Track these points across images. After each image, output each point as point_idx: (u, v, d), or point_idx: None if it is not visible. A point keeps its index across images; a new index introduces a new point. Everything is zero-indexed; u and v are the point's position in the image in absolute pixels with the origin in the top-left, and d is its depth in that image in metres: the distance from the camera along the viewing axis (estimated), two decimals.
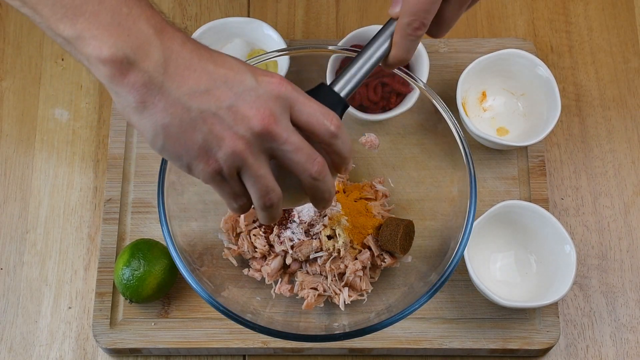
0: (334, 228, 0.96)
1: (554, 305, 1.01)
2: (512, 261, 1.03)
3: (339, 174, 0.78)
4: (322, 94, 0.75)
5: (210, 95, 0.67)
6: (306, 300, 0.97)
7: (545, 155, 1.09)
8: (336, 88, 0.76)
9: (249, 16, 1.19)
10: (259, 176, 0.70)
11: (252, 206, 0.75)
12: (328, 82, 0.97)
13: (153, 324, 1.01)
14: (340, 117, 0.76)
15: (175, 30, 0.69)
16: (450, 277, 0.89)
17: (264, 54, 0.95)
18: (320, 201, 0.75)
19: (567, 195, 1.09)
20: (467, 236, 0.89)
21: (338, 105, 0.76)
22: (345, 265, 0.97)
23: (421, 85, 0.95)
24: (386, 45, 0.78)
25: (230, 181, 0.70)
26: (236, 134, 0.68)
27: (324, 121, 0.71)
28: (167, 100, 0.66)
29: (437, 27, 0.79)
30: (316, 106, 0.71)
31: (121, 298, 1.02)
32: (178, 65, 0.67)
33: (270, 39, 1.08)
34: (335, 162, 0.74)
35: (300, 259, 0.97)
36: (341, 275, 0.98)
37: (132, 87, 0.66)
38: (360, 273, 0.98)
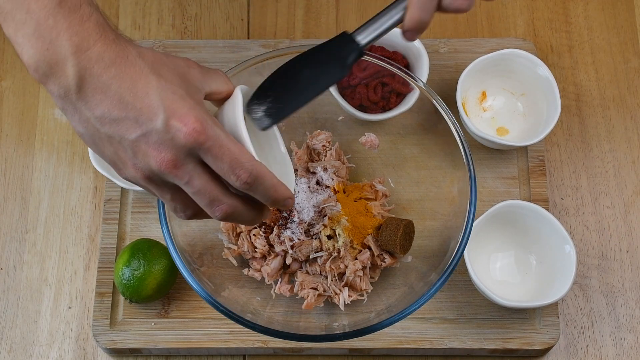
0: (334, 228, 0.96)
1: (554, 305, 1.01)
2: (512, 261, 1.03)
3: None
4: (339, 41, 0.77)
5: (118, 125, 0.68)
6: (306, 300, 0.97)
7: (545, 155, 1.09)
8: (357, 37, 0.77)
9: (248, 17, 1.19)
10: (165, 199, 0.73)
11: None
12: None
13: (153, 324, 1.01)
14: (353, 63, 0.77)
15: (107, 49, 0.68)
16: (450, 277, 0.89)
17: (264, 54, 0.95)
18: (250, 225, 0.76)
19: (567, 195, 1.09)
20: (467, 236, 0.89)
21: (353, 52, 0.77)
22: (345, 265, 0.97)
23: (421, 85, 0.95)
24: (405, 3, 0.77)
25: (147, 188, 0.73)
26: (135, 165, 0.70)
27: (230, 175, 0.70)
28: (80, 116, 0.69)
29: None
30: (227, 158, 0.69)
31: (121, 298, 1.02)
32: (94, 88, 0.68)
33: None
34: (266, 204, 0.74)
35: (300, 258, 0.97)
36: (341, 275, 0.98)
37: (52, 93, 0.69)
38: (360, 273, 0.98)
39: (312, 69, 0.78)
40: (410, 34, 0.77)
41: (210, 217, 0.74)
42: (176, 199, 0.73)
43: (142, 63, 0.69)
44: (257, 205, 0.75)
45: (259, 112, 0.76)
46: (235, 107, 0.75)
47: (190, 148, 0.68)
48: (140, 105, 0.68)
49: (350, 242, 0.97)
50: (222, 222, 1.00)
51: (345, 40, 0.78)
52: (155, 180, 0.71)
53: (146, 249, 0.99)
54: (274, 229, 0.97)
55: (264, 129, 0.76)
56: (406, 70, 0.95)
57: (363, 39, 0.78)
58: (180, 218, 0.75)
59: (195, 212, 0.74)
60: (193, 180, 0.70)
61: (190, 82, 0.72)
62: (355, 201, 1.00)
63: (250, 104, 0.76)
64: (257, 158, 0.71)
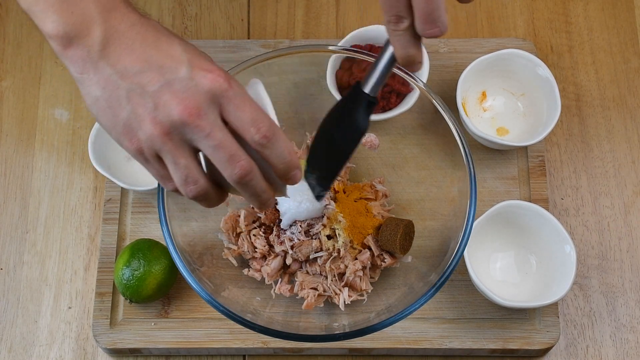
0: (333, 228, 0.96)
1: (554, 305, 1.01)
2: (512, 261, 1.03)
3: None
4: (354, 94, 0.79)
5: (140, 77, 0.69)
6: (306, 300, 0.97)
7: (545, 155, 1.09)
8: (364, 89, 0.79)
9: (248, 16, 1.19)
10: (178, 164, 0.71)
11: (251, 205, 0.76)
12: (328, 81, 0.98)
13: (153, 324, 1.01)
14: (370, 113, 0.79)
15: (129, 11, 0.71)
16: (450, 277, 0.89)
17: (264, 54, 0.95)
18: (253, 202, 0.75)
19: (567, 195, 1.09)
20: (467, 236, 0.89)
21: (365, 103, 0.78)
22: (345, 265, 0.97)
23: (421, 85, 0.95)
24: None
25: (152, 162, 0.72)
26: (155, 118, 0.69)
27: (250, 128, 0.70)
28: (100, 75, 0.69)
29: None
30: (248, 110, 0.70)
31: (121, 298, 1.02)
32: (119, 45, 0.69)
33: None
34: (274, 169, 0.74)
35: (300, 259, 0.97)
36: (341, 275, 0.98)
37: (72, 59, 0.70)
38: (360, 273, 0.98)
39: (340, 130, 0.80)
40: (410, 68, 0.77)
41: (216, 200, 0.74)
42: (191, 165, 0.71)
43: (163, 27, 0.72)
44: (268, 178, 0.75)
45: (313, 180, 0.82)
46: (258, 85, 0.76)
47: (214, 95, 0.69)
48: (164, 57, 0.69)
49: (350, 242, 0.97)
50: (222, 222, 1.00)
51: (357, 92, 0.79)
52: (173, 139, 0.69)
53: (146, 249, 0.99)
54: (274, 229, 0.97)
55: (319, 197, 0.85)
56: (406, 70, 0.95)
57: (368, 89, 0.78)
58: (189, 194, 0.73)
59: (206, 186, 0.72)
60: (215, 131, 0.69)
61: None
62: (355, 201, 1.00)
63: (306, 172, 0.82)
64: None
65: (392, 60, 0.77)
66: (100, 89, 0.70)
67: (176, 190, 0.74)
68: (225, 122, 0.71)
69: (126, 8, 0.71)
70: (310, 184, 0.83)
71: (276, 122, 0.76)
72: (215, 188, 0.74)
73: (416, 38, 0.73)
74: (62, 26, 0.69)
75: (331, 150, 0.81)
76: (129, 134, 0.71)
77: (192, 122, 0.68)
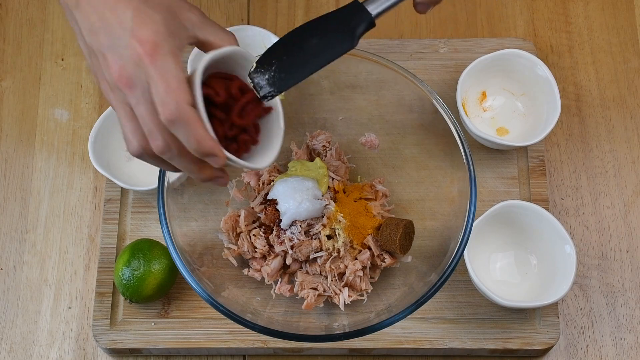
0: (333, 228, 0.96)
1: (554, 305, 1.01)
2: (512, 261, 1.03)
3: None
4: (350, 9, 0.76)
5: (97, 35, 0.72)
6: (306, 300, 0.97)
7: (545, 155, 1.09)
8: (369, 6, 0.76)
9: (248, 16, 1.19)
10: (120, 117, 0.73)
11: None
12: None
13: (153, 324, 1.01)
14: (363, 33, 0.76)
15: None
16: (450, 277, 0.89)
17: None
18: (194, 176, 0.75)
19: (567, 195, 1.09)
20: (467, 236, 0.89)
21: (363, 22, 0.76)
22: (345, 265, 0.97)
23: (421, 85, 0.95)
24: None
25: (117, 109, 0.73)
26: (104, 77, 0.73)
27: (159, 107, 0.70)
28: (77, 28, 0.75)
29: None
30: (161, 88, 0.69)
31: (121, 298, 1.02)
32: (87, 2, 0.73)
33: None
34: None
35: (300, 259, 0.97)
36: (341, 275, 0.98)
37: (61, 5, 0.76)
38: (360, 273, 0.98)
39: (320, 37, 0.76)
40: (422, 6, 0.76)
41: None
42: (129, 123, 0.72)
43: None
44: (200, 160, 0.73)
45: (262, 80, 0.75)
46: (203, 56, 0.74)
47: (140, 65, 0.70)
48: (115, 20, 0.71)
49: (350, 242, 0.97)
50: (222, 222, 1.00)
51: (356, 8, 0.76)
52: (118, 97, 0.72)
53: (146, 249, 0.99)
54: (274, 229, 0.97)
55: (265, 98, 0.75)
56: (406, 70, 0.95)
57: (375, 8, 0.76)
58: (132, 151, 0.74)
59: (143, 144, 0.73)
60: (139, 104, 0.71)
61: (180, 20, 0.74)
62: (355, 201, 1.00)
63: (253, 71, 0.75)
64: (202, 109, 0.71)
65: None
66: (81, 41, 0.74)
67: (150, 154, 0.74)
68: None
69: None
70: (256, 82, 0.75)
71: (279, 106, 0.75)
72: (181, 150, 0.73)
73: None
74: None
75: (300, 54, 0.76)
76: (97, 82, 0.75)
77: (125, 90, 0.71)
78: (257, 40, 1.09)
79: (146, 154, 0.74)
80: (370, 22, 0.76)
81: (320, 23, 0.77)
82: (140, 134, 0.72)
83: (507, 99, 1.11)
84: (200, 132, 0.70)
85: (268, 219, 0.98)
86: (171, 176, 0.91)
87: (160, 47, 0.70)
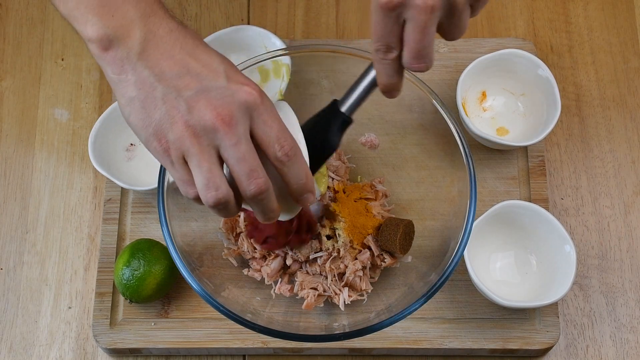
0: (333, 228, 0.96)
1: (554, 305, 1.01)
2: (512, 261, 1.03)
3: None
4: (330, 110, 0.80)
5: (178, 80, 0.71)
6: (306, 300, 0.97)
7: (545, 155, 1.09)
8: (342, 107, 0.80)
9: (248, 16, 1.19)
10: (202, 167, 0.71)
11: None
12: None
13: (153, 324, 1.01)
14: (344, 131, 0.80)
15: (168, 18, 0.73)
16: (450, 277, 0.89)
17: (265, 53, 0.95)
18: (260, 217, 0.76)
19: (567, 195, 1.09)
20: (467, 236, 0.89)
21: (342, 122, 0.80)
22: (345, 265, 0.97)
23: (421, 85, 0.95)
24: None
25: (177, 165, 0.72)
26: (187, 122, 0.70)
27: (275, 144, 0.72)
28: (138, 76, 0.71)
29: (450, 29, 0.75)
30: (276, 126, 0.72)
31: (121, 298, 1.02)
32: (157, 49, 0.71)
33: (273, 46, 1.08)
34: (289, 188, 0.75)
35: (300, 259, 0.97)
36: (341, 275, 0.98)
37: (111, 61, 0.71)
38: (360, 273, 0.98)
39: (313, 144, 0.79)
40: (388, 95, 0.78)
41: (234, 211, 0.74)
42: (214, 171, 0.71)
43: (200, 37, 0.74)
44: (280, 196, 0.75)
45: None
46: (286, 106, 0.79)
47: (248, 107, 0.70)
48: (202, 65, 0.71)
49: (350, 242, 0.97)
50: (222, 222, 1.00)
51: (333, 110, 0.80)
52: (201, 142, 0.70)
53: (146, 249, 0.99)
54: None
55: None
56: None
57: (345, 108, 0.80)
58: (209, 200, 0.72)
59: (227, 194, 0.72)
60: (241, 143, 0.70)
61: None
62: (355, 201, 1.00)
63: None
64: (304, 148, 0.76)
65: (373, 85, 0.78)
66: (137, 89, 0.71)
67: (197, 199, 0.73)
68: (252, 137, 0.72)
69: (165, 14, 0.74)
70: None
71: (303, 145, 0.77)
72: (234, 198, 0.74)
73: (401, 68, 0.74)
74: (103, 29, 0.71)
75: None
76: (159, 134, 0.71)
77: (223, 129, 0.70)
78: (257, 40, 1.09)
79: (230, 199, 0.73)
80: (344, 121, 0.80)
81: (312, 128, 0.81)
82: (226, 185, 0.72)
83: (507, 99, 1.11)
84: (307, 169, 0.74)
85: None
86: (171, 176, 0.91)
87: (260, 89, 0.72)
